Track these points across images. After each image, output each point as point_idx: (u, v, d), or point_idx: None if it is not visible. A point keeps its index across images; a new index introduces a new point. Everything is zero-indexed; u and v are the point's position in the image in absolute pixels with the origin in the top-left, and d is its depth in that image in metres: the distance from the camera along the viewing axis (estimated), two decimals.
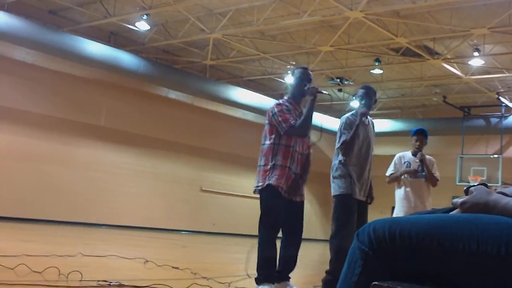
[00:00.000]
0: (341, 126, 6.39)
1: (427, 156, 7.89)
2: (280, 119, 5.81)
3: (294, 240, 5.99)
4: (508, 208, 1.71)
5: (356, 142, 6.31)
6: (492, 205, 1.74)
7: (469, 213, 1.76)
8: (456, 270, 1.65)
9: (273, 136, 5.88)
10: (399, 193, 7.81)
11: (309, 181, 6.13)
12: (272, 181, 5.76)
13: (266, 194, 5.82)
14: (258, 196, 5.97)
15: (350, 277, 1.76)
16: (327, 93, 6.24)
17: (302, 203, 6.03)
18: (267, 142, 5.91)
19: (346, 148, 6.25)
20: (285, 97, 6.16)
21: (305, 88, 5.98)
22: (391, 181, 7.91)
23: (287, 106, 5.93)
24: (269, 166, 5.81)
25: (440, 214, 1.82)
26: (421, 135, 7.86)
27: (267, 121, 5.97)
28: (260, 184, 5.85)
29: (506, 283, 1.59)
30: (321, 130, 6.41)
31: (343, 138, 6.29)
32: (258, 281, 5.69)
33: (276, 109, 5.88)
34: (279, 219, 5.83)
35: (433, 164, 7.87)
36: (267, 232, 5.79)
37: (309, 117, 5.88)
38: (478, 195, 1.78)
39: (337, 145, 6.34)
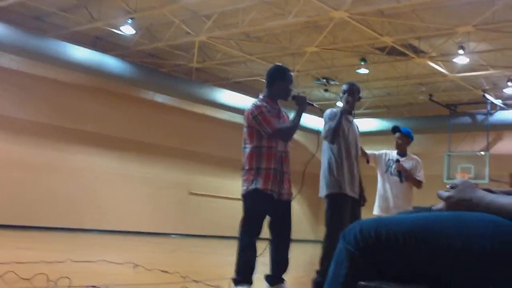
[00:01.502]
0: (325, 117, 6.40)
1: (414, 156, 7.89)
2: (263, 122, 5.75)
3: (284, 241, 5.98)
4: (492, 206, 1.72)
5: (342, 137, 6.33)
6: (476, 202, 1.75)
7: (453, 211, 1.77)
8: (442, 268, 1.66)
9: (254, 139, 5.83)
10: (378, 190, 7.82)
11: (298, 182, 6.13)
12: (259, 185, 5.73)
13: (251, 198, 5.79)
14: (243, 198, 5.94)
15: (337, 277, 1.76)
16: (318, 107, 6.24)
17: (289, 202, 6.01)
18: (249, 145, 5.85)
19: (333, 134, 6.25)
20: (261, 96, 6.06)
21: (294, 94, 5.97)
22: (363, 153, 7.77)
23: (266, 107, 5.86)
24: (253, 171, 5.77)
25: (425, 213, 1.83)
26: (396, 132, 7.85)
27: (246, 124, 5.89)
28: (244, 187, 5.83)
29: (491, 280, 1.60)
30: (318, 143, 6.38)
31: (328, 127, 6.30)
32: (236, 282, 5.67)
33: (256, 112, 5.79)
34: (262, 223, 5.82)
35: (417, 166, 7.83)
36: (249, 237, 5.77)
37: (297, 124, 5.88)
38: (463, 191, 1.79)
39: (323, 134, 6.32)
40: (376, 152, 7.94)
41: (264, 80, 6.14)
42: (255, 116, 5.77)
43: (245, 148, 5.90)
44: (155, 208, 20.96)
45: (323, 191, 6.33)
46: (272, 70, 6.19)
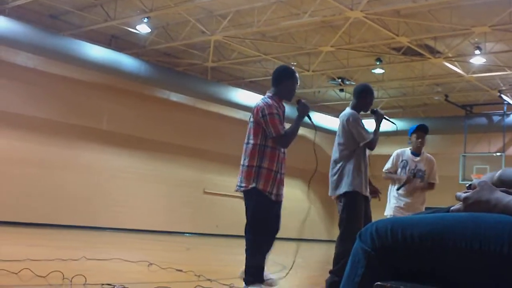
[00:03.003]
0: (352, 122, 6.30)
1: (428, 156, 7.78)
2: (270, 123, 5.64)
3: (272, 238, 5.91)
4: (510, 207, 1.71)
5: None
6: (493, 203, 1.74)
7: (470, 212, 1.76)
8: (459, 269, 1.65)
9: (259, 136, 5.70)
10: (392, 190, 7.70)
11: (312, 182, 6.11)
12: (259, 185, 5.63)
13: (254, 198, 5.69)
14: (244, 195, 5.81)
15: (353, 277, 1.76)
16: (314, 124, 6.18)
17: (281, 202, 5.95)
18: (252, 141, 5.72)
19: (375, 145, 6.32)
20: (269, 93, 5.93)
21: (301, 101, 5.95)
22: (387, 179, 7.80)
23: (276, 107, 5.75)
24: (254, 169, 5.65)
25: (442, 213, 1.82)
26: (422, 131, 7.69)
27: (252, 119, 5.78)
28: (244, 184, 5.69)
29: (509, 282, 1.59)
30: (315, 128, 6.33)
31: (370, 136, 6.27)
32: (249, 282, 5.59)
33: (267, 111, 5.67)
34: (267, 222, 5.74)
35: (433, 166, 7.73)
36: (258, 237, 5.71)
37: (296, 133, 5.81)
38: (481, 192, 1.78)
39: (363, 141, 6.27)
40: (393, 161, 7.77)
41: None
42: (264, 115, 5.66)
43: (247, 143, 5.77)
44: (169, 206, 21.01)
45: (341, 189, 6.25)
46: (280, 69, 6.14)
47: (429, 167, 7.68)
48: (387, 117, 6.55)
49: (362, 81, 20.97)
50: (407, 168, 7.59)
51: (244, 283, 5.65)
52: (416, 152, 7.67)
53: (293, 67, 6.24)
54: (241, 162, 5.78)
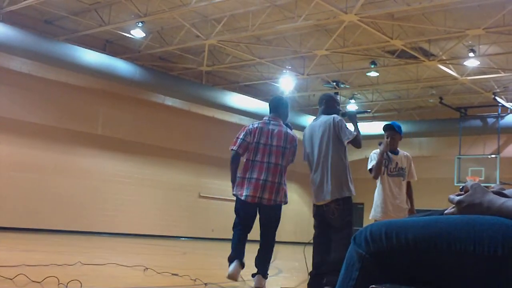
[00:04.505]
0: (340, 122, 6.27)
1: (405, 153, 7.64)
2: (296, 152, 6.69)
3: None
4: (504, 209, 1.71)
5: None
6: (486, 206, 1.74)
7: (464, 214, 1.76)
8: (454, 272, 1.65)
9: (285, 159, 6.59)
10: (378, 190, 7.51)
11: (307, 185, 6.22)
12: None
13: (281, 209, 6.64)
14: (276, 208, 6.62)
15: (348, 281, 1.76)
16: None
17: None
18: (284, 163, 6.57)
19: (361, 141, 6.42)
20: (278, 121, 6.72)
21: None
22: (376, 171, 7.54)
23: None
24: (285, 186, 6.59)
25: (436, 216, 1.82)
26: (390, 130, 7.54)
27: (289, 146, 6.59)
28: (285, 199, 6.59)
29: (503, 284, 1.59)
30: None
31: (356, 136, 6.28)
32: (266, 275, 6.50)
33: (297, 141, 6.66)
34: None
35: (411, 163, 7.62)
36: None
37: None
38: (474, 195, 1.78)
39: (350, 137, 6.26)
40: (372, 159, 7.61)
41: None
42: (296, 145, 6.60)
43: (280, 164, 6.52)
44: (165, 211, 20.99)
45: (342, 192, 6.17)
46: (282, 99, 6.98)
47: (408, 164, 7.58)
48: (358, 111, 6.74)
49: (356, 84, 21.04)
50: (389, 166, 7.47)
51: (265, 277, 6.45)
52: (393, 150, 7.55)
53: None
54: (275, 180, 6.52)
